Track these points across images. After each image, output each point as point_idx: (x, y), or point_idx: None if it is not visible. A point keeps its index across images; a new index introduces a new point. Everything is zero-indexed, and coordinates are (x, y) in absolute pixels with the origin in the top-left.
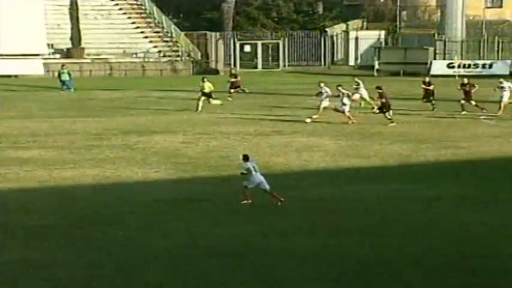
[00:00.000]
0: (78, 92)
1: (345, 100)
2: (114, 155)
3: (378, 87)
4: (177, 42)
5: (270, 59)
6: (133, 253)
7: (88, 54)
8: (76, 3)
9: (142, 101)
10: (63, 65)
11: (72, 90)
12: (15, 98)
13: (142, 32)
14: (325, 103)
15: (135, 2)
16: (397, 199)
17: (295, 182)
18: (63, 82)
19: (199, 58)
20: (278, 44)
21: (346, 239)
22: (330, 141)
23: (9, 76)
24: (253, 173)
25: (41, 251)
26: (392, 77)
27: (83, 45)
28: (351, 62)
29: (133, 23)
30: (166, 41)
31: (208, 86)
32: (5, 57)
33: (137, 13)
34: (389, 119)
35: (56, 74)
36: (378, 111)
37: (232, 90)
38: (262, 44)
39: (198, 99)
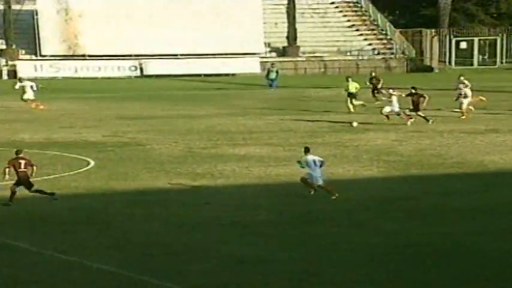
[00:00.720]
0: (282, 90)
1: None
2: (327, 153)
3: (413, 87)
4: (391, 39)
5: (487, 55)
6: (346, 251)
7: (303, 53)
8: (293, 2)
9: None
10: (272, 63)
11: (274, 89)
12: (231, 96)
13: (357, 30)
14: (465, 101)
15: (351, 0)
16: None
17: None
18: (271, 80)
19: (414, 55)
20: (496, 41)
21: None
22: None
23: (227, 74)
24: (313, 166)
25: (255, 247)
26: None
27: (298, 43)
28: None
29: (348, 20)
30: (381, 39)
31: (354, 86)
32: (224, 56)
33: (353, 11)
34: (424, 118)
35: (265, 72)
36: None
37: (376, 92)
38: (479, 40)
39: (346, 101)
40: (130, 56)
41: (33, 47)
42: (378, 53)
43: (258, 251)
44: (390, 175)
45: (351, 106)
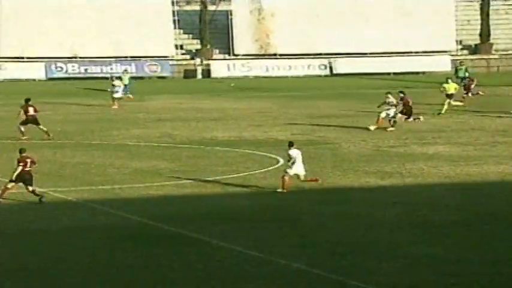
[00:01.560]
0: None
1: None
2: None
3: (401, 91)
4: None
5: None
6: None
7: (496, 50)
8: None
9: None
10: (461, 61)
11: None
12: (420, 95)
13: None
14: None
15: None
16: None
17: None
18: (460, 78)
19: None
20: None
21: None
22: None
23: (416, 73)
24: (296, 160)
25: (444, 248)
26: None
27: (491, 40)
28: None
29: None
30: None
31: (453, 87)
32: (413, 54)
33: None
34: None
35: (454, 70)
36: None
37: (465, 93)
38: None
39: (443, 103)
40: (320, 54)
41: (226, 46)
42: None
43: (447, 251)
44: None
45: (446, 107)
